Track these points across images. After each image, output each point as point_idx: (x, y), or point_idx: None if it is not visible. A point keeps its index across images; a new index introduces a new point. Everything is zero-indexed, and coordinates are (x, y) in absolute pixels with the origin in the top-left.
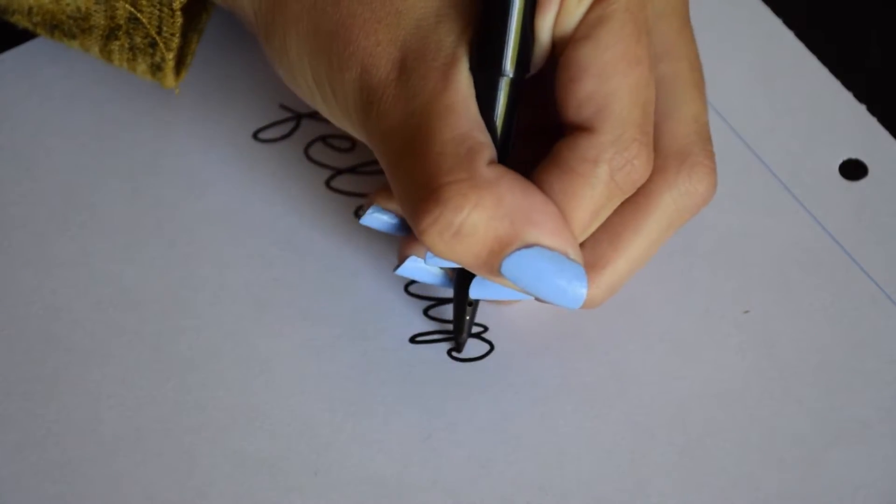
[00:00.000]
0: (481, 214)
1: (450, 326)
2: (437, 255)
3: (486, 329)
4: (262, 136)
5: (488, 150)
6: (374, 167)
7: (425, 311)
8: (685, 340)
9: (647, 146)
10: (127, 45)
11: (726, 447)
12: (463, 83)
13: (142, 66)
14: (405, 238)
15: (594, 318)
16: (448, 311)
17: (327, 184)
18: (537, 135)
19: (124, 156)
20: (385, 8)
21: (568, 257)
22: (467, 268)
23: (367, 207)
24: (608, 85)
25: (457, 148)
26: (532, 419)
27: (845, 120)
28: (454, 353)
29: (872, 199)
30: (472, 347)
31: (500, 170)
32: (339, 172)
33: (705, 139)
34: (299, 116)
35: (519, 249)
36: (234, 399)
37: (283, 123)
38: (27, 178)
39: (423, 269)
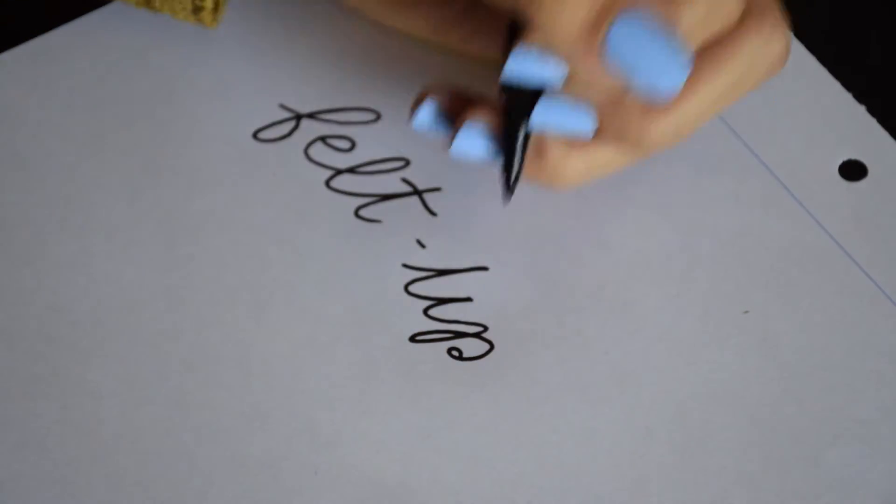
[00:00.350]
0: None
1: (450, 326)
2: (540, 23)
3: (486, 329)
4: (262, 136)
5: None
6: (374, 167)
7: (425, 311)
8: (685, 340)
9: None
10: None
11: (726, 447)
12: None
13: (182, 9)
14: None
15: (594, 318)
16: (448, 311)
17: (327, 184)
18: None
19: (124, 155)
20: None
21: (674, 30)
22: (567, 44)
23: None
24: None
25: None
26: (532, 419)
27: (845, 120)
28: (506, 195)
29: (872, 199)
30: (472, 347)
31: None
32: (338, 172)
33: (777, 4)
34: (299, 116)
35: (627, 14)
36: (234, 399)
37: (282, 123)
38: (27, 178)
39: (478, 139)
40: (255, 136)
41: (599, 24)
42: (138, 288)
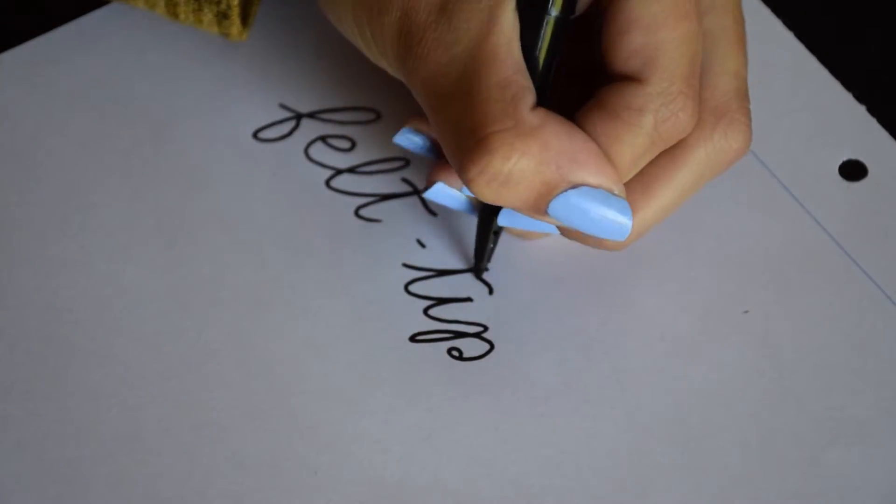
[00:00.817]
0: (529, 162)
1: (450, 326)
2: (484, 200)
3: (486, 329)
4: (262, 135)
5: (531, 95)
6: (374, 167)
7: (425, 311)
8: (685, 340)
9: (692, 99)
10: None
11: (726, 447)
12: (508, 24)
13: (208, 17)
14: (437, 163)
15: (594, 317)
16: (448, 311)
17: (327, 184)
18: (577, 75)
19: (124, 156)
20: None
21: (613, 193)
22: (514, 210)
23: (403, 128)
24: (656, 37)
25: (502, 94)
26: (532, 419)
27: (845, 121)
28: (476, 274)
29: (872, 199)
30: (472, 347)
31: (544, 114)
32: (339, 172)
33: (743, 95)
34: (299, 116)
35: (566, 190)
36: (234, 399)
37: (283, 123)
38: (27, 178)
39: (450, 194)
40: (255, 135)
41: (541, 200)
42: (138, 288)
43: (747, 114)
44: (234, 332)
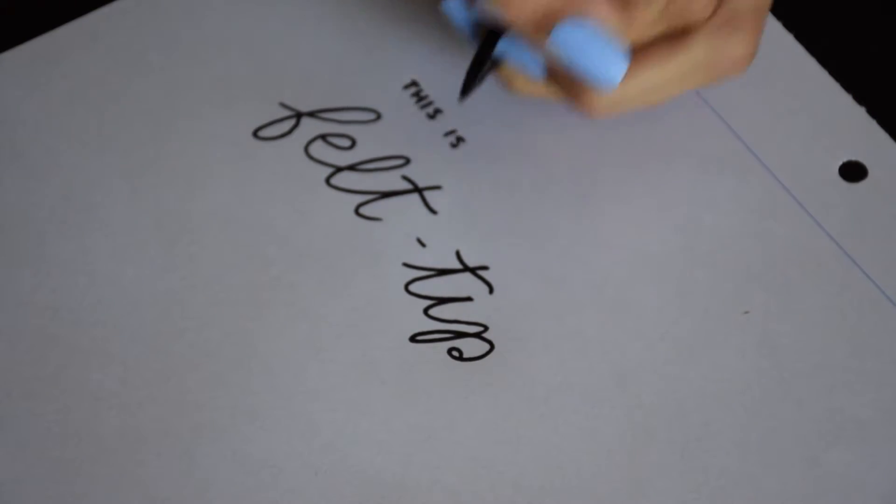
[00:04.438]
0: None
1: (450, 326)
2: (492, 10)
3: (486, 329)
4: (263, 134)
5: None
6: (374, 165)
7: (425, 311)
8: (685, 340)
9: None
10: None
11: (726, 447)
12: None
13: None
14: None
15: (594, 317)
16: (448, 311)
17: (327, 182)
18: None
19: (124, 156)
20: None
21: (614, 38)
22: (516, 27)
23: None
24: None
25: None
26: (532, 419)
27: (845, 122)
28: (461, 95)
29: (872, 200)
30: (473, 347)
31: None
32: (339, 170)
33: (760, 13)
34: (299, 115)
35: (574, 18)
36: (234, 399)
37: (283, 121)
38: (27, 178)
39: (462, 13)
40: (255, 134)
41: (546, 21)
42: (138, 288)
43: (758, 31)
44: (234, 332)
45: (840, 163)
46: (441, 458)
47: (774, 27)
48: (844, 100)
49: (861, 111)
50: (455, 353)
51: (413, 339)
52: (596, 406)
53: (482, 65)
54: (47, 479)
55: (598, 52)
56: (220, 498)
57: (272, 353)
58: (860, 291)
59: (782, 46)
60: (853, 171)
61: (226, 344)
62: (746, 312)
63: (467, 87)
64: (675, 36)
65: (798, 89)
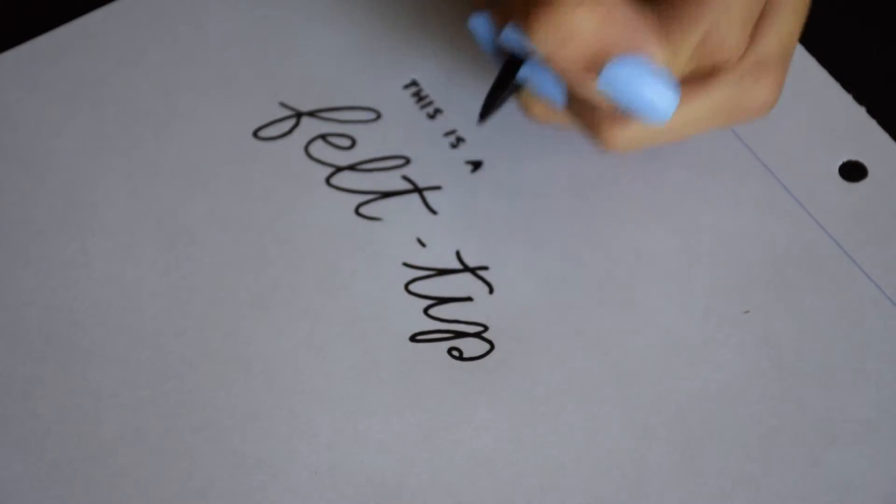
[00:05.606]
0: (593, 18)
1: (450, 326)
2: (542, 51)
3: (486, 329)
4: (262, 133)
5: None
6: (374, 165)
7: (425, 311)
8: (685, 340)
9: (743, 31)
10: None
11: (726, 447)
12: None
13: None
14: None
15: (594, 317)
16: (448, 311)
17: (327, 181)
18: None
19: (124, 156)
20: None
21: (665, 72)
22: (564, 72)
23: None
24: None
25: None
26: (532, 419)
27: (845, 122)
28: (480, 118)
29: (872, 200)
30: (473, 347)
31: None
32: (339, 169)
33: (787, 58)
34: (299, 114)
35: (624, 56)
36: (234, 399)
37: (283, 121)
38: (27, 178)
39: (488, 33)
40: (255, 134)
41: (595, 63)
42: (138, 288)
43: (783, 76)
44: (234, 332)
45: (840, 163)
46: (441, 458)
47: None
48: (845, 99)
49: (861, 111)
50: (455, 353)
51: (413, 338)
52: (596, 406)
53: (503, 89)
54: (47, 479)
55: (651, 87)
56: (220, 498)
57: (272, 353)
58: (860, 291)
59: None
60: (853, 171)
61: (226, 344)
62: (747, 312)
63: (486, 111)
64: (703, 76)
65: (798, 89)
